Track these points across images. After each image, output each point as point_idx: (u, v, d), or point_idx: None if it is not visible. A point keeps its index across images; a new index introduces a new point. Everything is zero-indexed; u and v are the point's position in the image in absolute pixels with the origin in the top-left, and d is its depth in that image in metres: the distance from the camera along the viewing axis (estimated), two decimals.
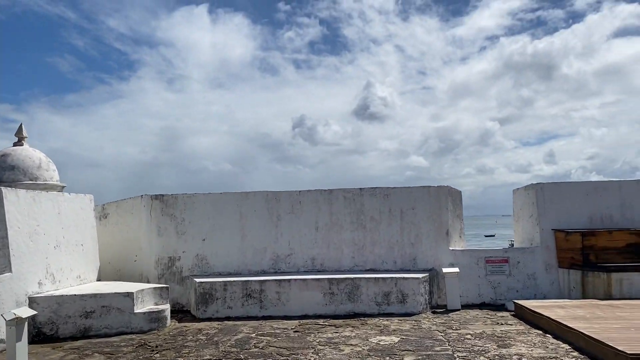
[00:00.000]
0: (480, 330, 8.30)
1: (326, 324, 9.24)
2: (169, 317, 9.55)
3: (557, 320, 7.73)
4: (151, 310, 9.22)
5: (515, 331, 8.19)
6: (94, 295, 8.92)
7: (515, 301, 9.80)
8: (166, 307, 9.56)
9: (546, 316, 8.15)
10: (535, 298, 10.76)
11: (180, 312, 10.81)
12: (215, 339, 8.27)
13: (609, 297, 9.72)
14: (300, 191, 11.47)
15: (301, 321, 9.52)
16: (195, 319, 10.08)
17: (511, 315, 9.64)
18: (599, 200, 11.08)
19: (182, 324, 9.61)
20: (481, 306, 10.71)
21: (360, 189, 11.40)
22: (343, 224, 11.32)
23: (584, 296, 10.19)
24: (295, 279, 10.19)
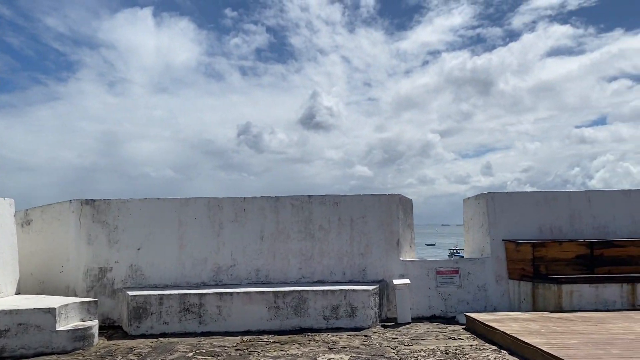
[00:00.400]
0: (434, 346, 7.89)
1: (271, 340, 8.60)
2: (96, 334, 8.64)
3: (513, 335, 7.42)
4: (76, 328, 8.28)
5: (469, 347, 7.83)
6: (10, 312, 7.90)
7: (467, 314, 9.50)
8: (94, 323, 8.64)
9: (501, 331, 7.83)
10: (485, 310, 10.53)
11: (110, 329, 9.88)
12: (148, 359, 7.47)
13: (560, 309, 9.58)
14: (244, 198, 10.80)
15: (244, 337, 8.83)
16: (126, 336, 9.20)
17: (463, 328, 9.32)
18: (548, 210, 11.00)
19: (112, 342, 8.72)
20: (431, 319, 10.36)
21: (309, 196, 10.86)
22: (290, 233, 10.72)
23: (535, 308, 10.02)
24: (238, 292, 9.49)
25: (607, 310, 9.55)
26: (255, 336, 8.93)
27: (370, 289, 9.57)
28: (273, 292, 9.50)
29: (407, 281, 10.10)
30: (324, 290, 9.51)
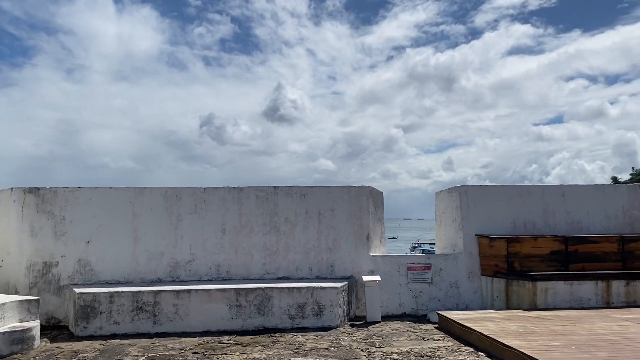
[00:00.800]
0: (407, 348, 7.39)
1: (232, 342, 7.94)
2: (37, 336, 7.80)
3: (490, 336, 6.98)
4: (14, 330, 7.44)
5: (444, 348, 7.35)
6: None
7: (440, 312, 9.05)
8: (35, 324, 7.80)
9: (477, 331, 7.39)
10: (457, 308, 10.12)
11: (55, 329, 9.04)
12: None
13: (534, 307, 9.24)
14: (205, 188, 10.07)
15: (202, 339, 8.15)
16: (72, 338, 8.38)
17: (436, 328, 8.87)
18: (522, 205, 10.66)
19: (55, 345, 7.89)
20: (402, 317, 9.89)
21: (275, 187, 10.21)
22: (254, 227, 10.06)
23: (508, 306, 9.67)
24: (197, 289, 8.78)
25: (582, 308, 9.26)
26: (215, 337, 8.26)
27: (339, 286, 9.01)
28: (235, 289, 8.83)
29: (377, 278, 9.58)
30: (289, 288, 8.90)
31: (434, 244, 14.24)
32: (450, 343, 7.69)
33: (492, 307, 9.98)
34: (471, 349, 7.24)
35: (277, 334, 8.40)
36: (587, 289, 9.41)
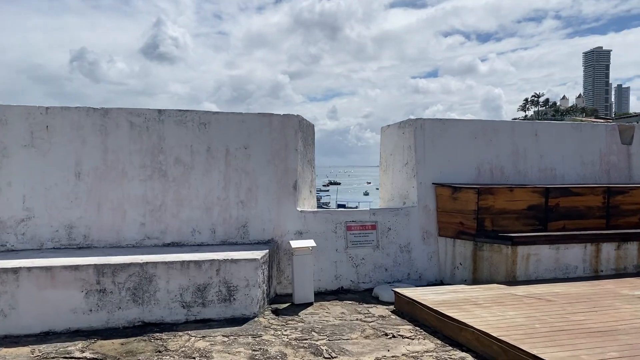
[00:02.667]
0: (372, 357, 4.75)
1: (87, 350, 4.84)
2: None
3: (504, 340, 4.51)
4: None
5: (429, 356, 4.81)
6: None
7: (396, 290, 6.52)
8: None
9: (473, 327, 4.91)
10: (409, 279, 7.70)
11: None
12: None
13: (512, 279, 7.04)
14: (48, 108, 6.53)
15: (39, 347, 4.96)
16: None
17: (392, 312, 6.35)
18: (488, 146, 8.32)
19: None
20: (339, 294, 7.29)
21: (160, 111, 6.93)
22: (127, 169, 6.77)
23: (475, 277, 7.42)
24: (30, 267, 5.44)
25: (568, 279, 7.21)
26: (60, 344, 5.09)
27: (258, 257, 6.10)
28: (95, 265, 5.60)
29: (310, 243, 6.79)
30: (182, 261, 5.84)
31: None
32: (431, 345, 5.16)
33: (453, 278, 7.69)
34: (466, 355, 4.77)
35: (163, 334, 5.39)
36: (575, 254, 7.36)
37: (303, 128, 7.58)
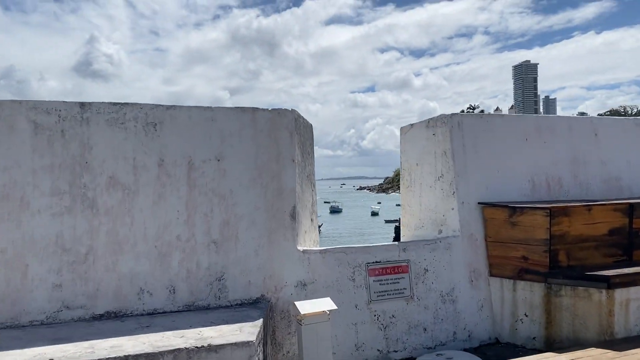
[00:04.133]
0: None
1: None
2: None
3: None
4: None
5: None
6: None
7: None
8: None
9: None
10: (455, 340, 5.44)
11: None
12: None
13: (610, 336, 4.90)
14: None
15: None
16: None
17: None
18: (542, 150, 6.21)
19: None
20: None
21: (83, 105, 4.42)
22: (30, 197, 4.20)
23: (550, 334, 5.24)
24: None
25: None
26: None
27: (252, 336, 3.67)
28: None
29: (327, 303, 4.40)
30: (122, 357, 3.34)
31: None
32: None
33: (514, 335, 5.49)
34: None
35: None
36: None
37: (300, 129, 5.22)
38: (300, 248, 4.91)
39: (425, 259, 5.41)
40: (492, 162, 5.89)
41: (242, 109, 4.83)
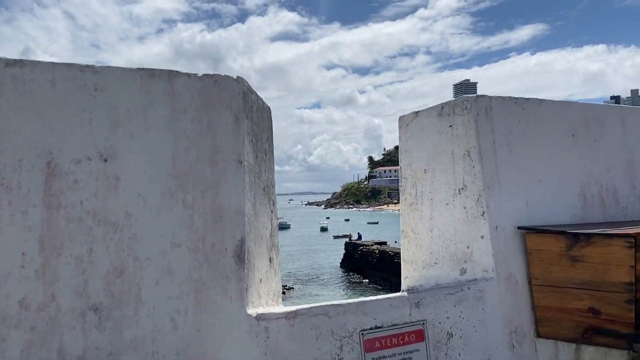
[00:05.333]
0: None
1: None
2: None
3: None
4: None
5: None
6: None
7: None
8: None
9: None
10: None
11: None
12: None
13: None
14: None
15: None
16: None
17: None
18: (592, 150, 4.42)
19: None
20: None
21: None
22: None
23: None
24: None
25: None
26: None
27: None
28: None
29: None
30: None
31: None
32: None
33: None
34: None
35: None
36: None
37: (252, 112, 3.17)
38: (251, 312, 2.85)
39: (448, 318, 3.46)
40: (531, 167, 4.04)
41: (150, 72, 2.75)
